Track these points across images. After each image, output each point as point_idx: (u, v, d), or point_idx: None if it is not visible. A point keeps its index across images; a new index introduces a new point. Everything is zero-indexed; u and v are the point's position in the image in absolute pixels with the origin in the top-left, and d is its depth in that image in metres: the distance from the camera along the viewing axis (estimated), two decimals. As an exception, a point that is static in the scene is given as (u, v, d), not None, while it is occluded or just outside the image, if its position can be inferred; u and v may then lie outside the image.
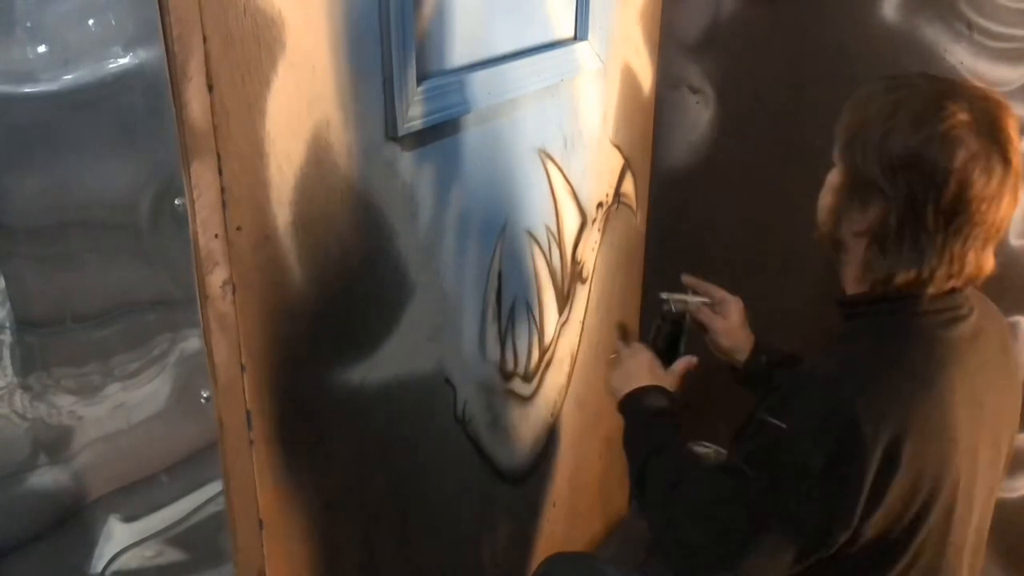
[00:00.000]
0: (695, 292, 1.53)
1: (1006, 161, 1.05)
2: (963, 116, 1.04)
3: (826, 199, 1.18)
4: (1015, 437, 1.26)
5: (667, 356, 1.47)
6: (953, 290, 1.13)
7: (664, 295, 1.52)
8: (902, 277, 1.10)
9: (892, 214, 1.08)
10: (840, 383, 1.08)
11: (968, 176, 1.04)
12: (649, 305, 2.21)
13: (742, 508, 1.10)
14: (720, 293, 1.53)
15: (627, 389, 1.35)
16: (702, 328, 1.52)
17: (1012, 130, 1.07)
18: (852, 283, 1.19)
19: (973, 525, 1.20)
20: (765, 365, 1.49)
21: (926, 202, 1.05)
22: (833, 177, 1.17)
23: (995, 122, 1.05)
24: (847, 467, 1.03)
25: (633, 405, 1.35)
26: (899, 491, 1.06)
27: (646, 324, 2.22)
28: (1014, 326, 1.76)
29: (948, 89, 1.09)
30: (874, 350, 1.12)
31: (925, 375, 1.09)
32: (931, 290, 1.11)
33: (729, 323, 1.50)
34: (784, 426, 1.06)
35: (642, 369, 1.38)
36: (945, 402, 1.09)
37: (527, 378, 1.83)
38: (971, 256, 1.09)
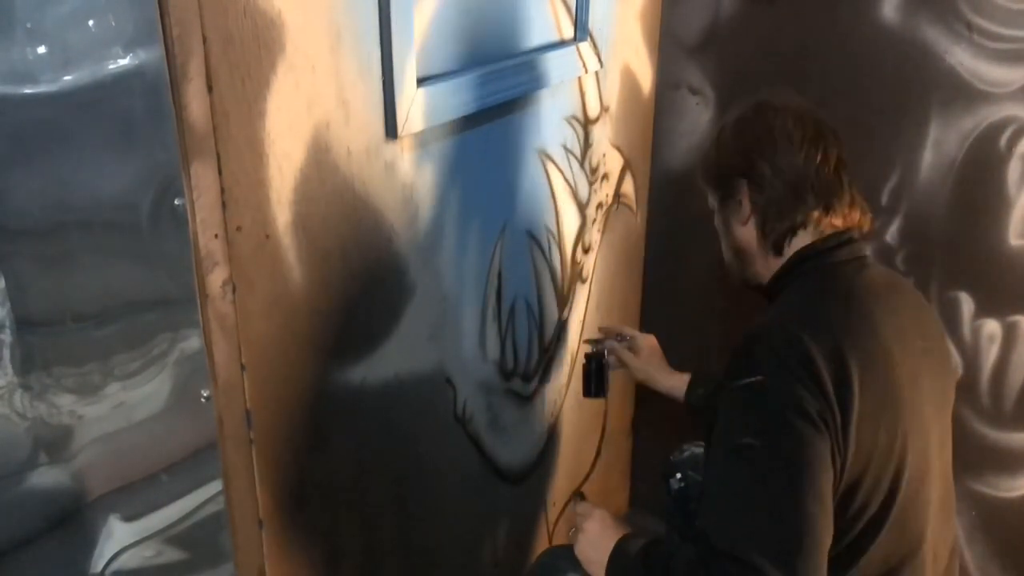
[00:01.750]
0: (609, 334, 1.76)
1: (814, 119, 1.27)
2: (772, 101, 1.29)
3: (723, 237, 1.36)
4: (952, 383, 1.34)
5: (599, 386, 1.73)
6: (846, 234, 1.26)
7: (586, 340, 1.85)
8: (794, 223, 1.25)
9: (755, 182, 1.26)
10: (784, 326, 1.15)
11: (786, 129, 1.24)
12: (649, 306, 2.21)
13: (767, 488, 1.06)
14: (631, 332, 1.75)
15: (600, 555, 1.27)
16: (621, 364, 1.72)
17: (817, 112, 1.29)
18: (763, 268, 1.31)
19: (935, 475, 1.22)
20: (703, 397, 1.61)
21: (769, 167, 1.24)
22: (717, 221, 1.36)
23: (803, 107, 1.28)
24: (821, 395, 1.08)
25: (622, 557, 1.27)
26: (863, 427, 1.10)
27: (646, 324, 2.22)
28: (1013, 325, 1.76)
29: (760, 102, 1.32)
30: (802, 298, 1.23)
31: (850, 305, 1.19)
32: (824, 228, 1.25)
33: (640, 358, 1.70)
34: (759, 378, 1.10)
35: (605, 528, 1.31)
36: (876, 331, 1.16)
37: (527, 378, 1.83)
38: (838, 195, 1.25)
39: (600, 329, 1.82)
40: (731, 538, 1.05)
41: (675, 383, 1.67)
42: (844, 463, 1.09)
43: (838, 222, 1.26)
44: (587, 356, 1.74)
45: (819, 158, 1.24)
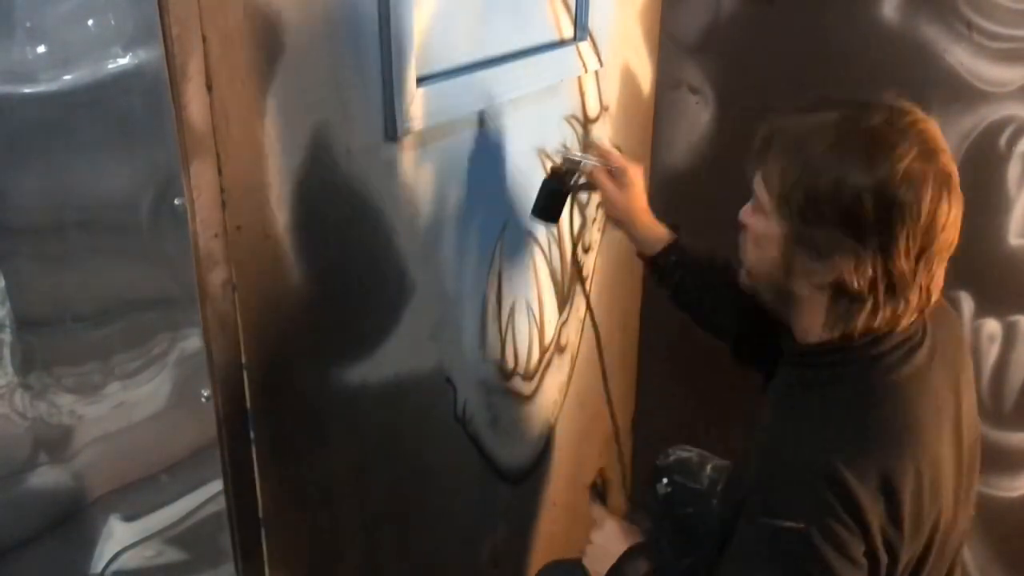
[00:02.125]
0: (596, 154, 1.51)
1: (953, 180, 1.03)
2: (912, 151, 1.00)
3: (766, 251, 1.11)
4: (979, 425, 1.23)
5: (546, 211, 1.46)
6: (916, 338, 1.10)
7: (562, 150, 1.53)
8: (880, 319, 1.06)
9: (864, 266, 1.02)
10: (828, 462, 1.02)
11: (934, 208, 1.01)
12: (649, 306, 2.21)
13: None
14: (621, 160, 1.50)
15: (606, 567, 1.26)
16: (593, 188, 1.50)
17: (942, 141, 1.05)
18: (811, 332, 1.12)
19: (959, 528, 1.18)
20: (675, 265, 1.47)
21: (898, 245, 1.01)
22: (768, 227, 1.09)
23: (935, 145, 1.03)
24: (866, 537, 1.01)
25: None
26: (908, 541, 1.05)
27: (646, 326, 2.22)
28: (1013, 325, 1.76)
29: (879, 121, 1.03)
30: (844, 412, 1.07)
31: (901, 429, 1.06)
32: (902, 325, 1.07)
33: (621, 193, 1.47)
34: (801, 526, 1.00)
35: (613, 541, 1.29)
36: (922, 443, 1.06)
37: (527, 377, 1.83)
38: (936, 281, 1.07)
39: (586, 144, 1.55)
40: None
41: (650, 235, 1.49)
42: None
43: (913, 317, 1.08)
44: (553, 170, 1.49)
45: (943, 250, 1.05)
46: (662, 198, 2.11)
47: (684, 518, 1.39)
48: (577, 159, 1.47)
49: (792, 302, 1.12)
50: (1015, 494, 1.84)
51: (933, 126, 1.05)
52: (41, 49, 0.87)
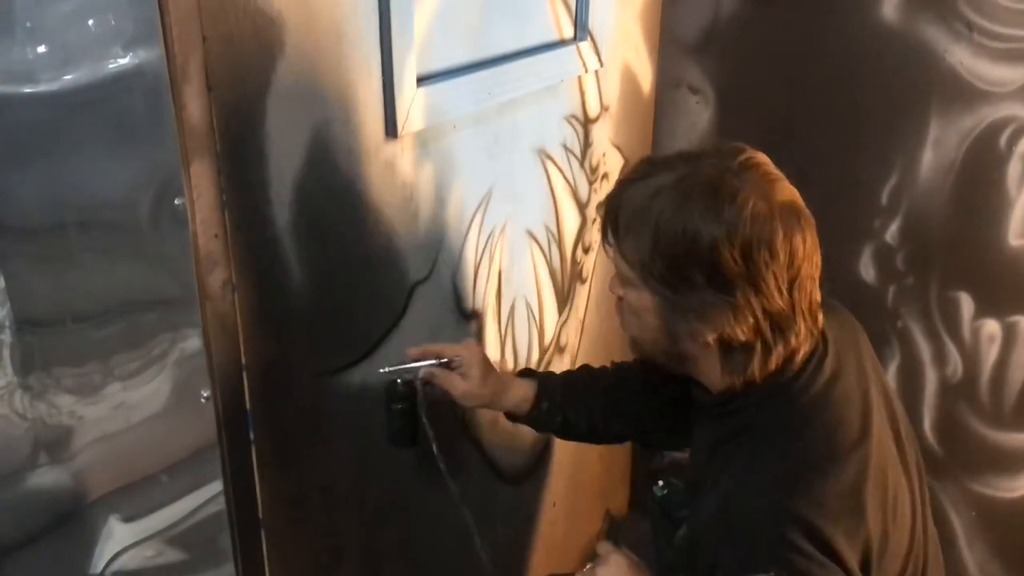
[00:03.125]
0: (422, 359, 1.36)
1: (799, 211, 1.04)
2: (753, 196, 1.00)
3: (645, 322, 1.10)
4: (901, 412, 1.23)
5: (405, 438, 1.36)
6: (815, 357, 1.10)
7: (383, 370, 1.36)
8: (776, 358, 1.06)
9: (741, 315, 1.03)
10: (782, 505, 1.02)
11: (788, 241, 1.01)
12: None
13: None
14: (451, 350, 1.37)
15: None
16: (444, 394, 1.36)
17: (783, 180, 1.05)
18: (715, 383, 1.12)
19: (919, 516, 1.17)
20: (549, 410, 1.38)
21: (767, 284, 1.01)
22: (640, 300, 1.09)
23: (772, 184, 1.03)
24: (841, 568, 1.00)
25: None
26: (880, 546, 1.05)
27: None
28: (1013, 325, 1.76)
29: (714, 174, 1.02)
30: (779, 453, 1.07)
31: (829, 446, 1.06)
32: (801, 354, 1.08)
33: (468, 382, 1.34)
34: (771, 572, 0.99)
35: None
36: (855, 462, 1.06)
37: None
38: (814, 299, 1.07)
39: (408, 354, 1.36)
40: None
41: (516, 397, 1.38)
42: None
43: (809, 344, 1.09)
44: (389, 396, 1.35)
45: (810, 273, 1.05)
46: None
47: (681, 520, 1.38)
48: (409, 370, 1.34)
49: (686, 361, 1.13)
50: (1015, 494, 1.84)
51: (762, 158, 1.06)
52: (41, 49, 0.87)
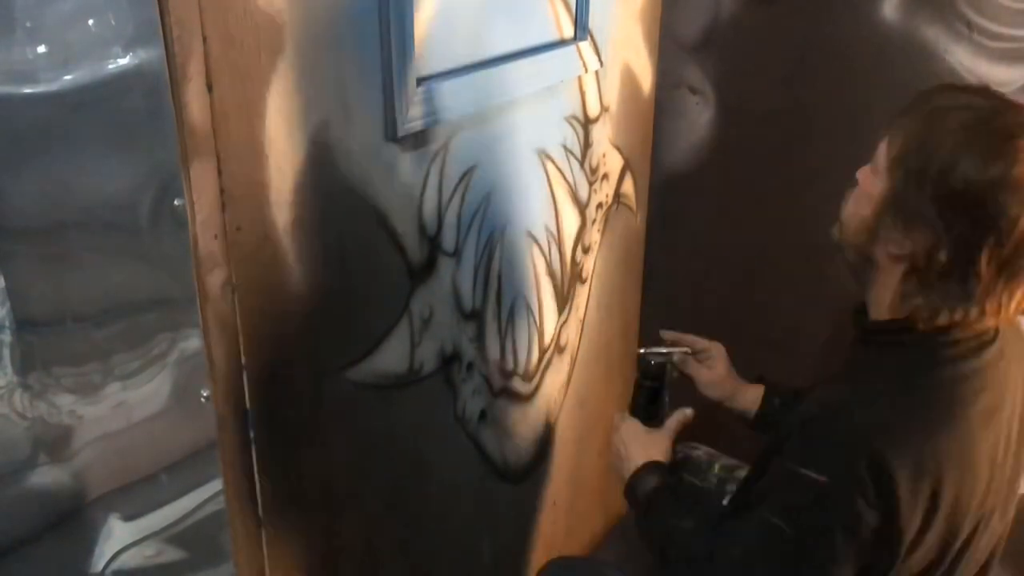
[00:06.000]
0: (676, 345, 1.53)
1: None
2: None
3: (861, 208, 1.11)
4: None
5: (649, 412, 1.46)
6: (987, 336, 1.09)
7: (642, 350, 1.52)
8: (943, 316, 1.05)
9: (942, 249, 1.02)
10: (867, 427, 1.02)
11: None
12: (649, 306, 2.21)
13: (780, 566, 1.05)
14: (702, 343, 1.52)
15: (623, 471, 1.30)
16: (688, 379, 1.51)
17: None
18: (881, 306, 1.12)
19: (987, 542, 1.18)
20: (779, 408, 1.46)
21: (983, 245, 1.00)
22: (873, 186, 1.09)
23: None
24: (885, 515, 1.00)
25: (632, 494, 1.31)
26: (938, 530, 1.05)
27: (646, 326, 2.22)
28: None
29: (1018, 123, 1.01)
30: (899, 388, 1.07)
31: (950, 414, 1.05)
32: (970, 330, 1.06)
33: (714, 373, 1.49)
34: (821, 478, 1.00)
35: (633, 446, 1.33)
36: (969, 439, 1.05)
37: (527, 377, 1.83)
38: (1016, 299, 1.05)
39: (664, 336, 1.55)
40: None
41: (750, 399, 1.49)
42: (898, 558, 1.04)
43: (991, 323, 1.07)
44: (643, 373, 1.48)
45: None
46: (662, 198, 2.11)
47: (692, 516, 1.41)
48: (664, 352, 1.50)
49: (869, 268, 1.12)
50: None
51: None
52: (41, 49, 0.87)
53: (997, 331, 1.11)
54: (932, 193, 1.01)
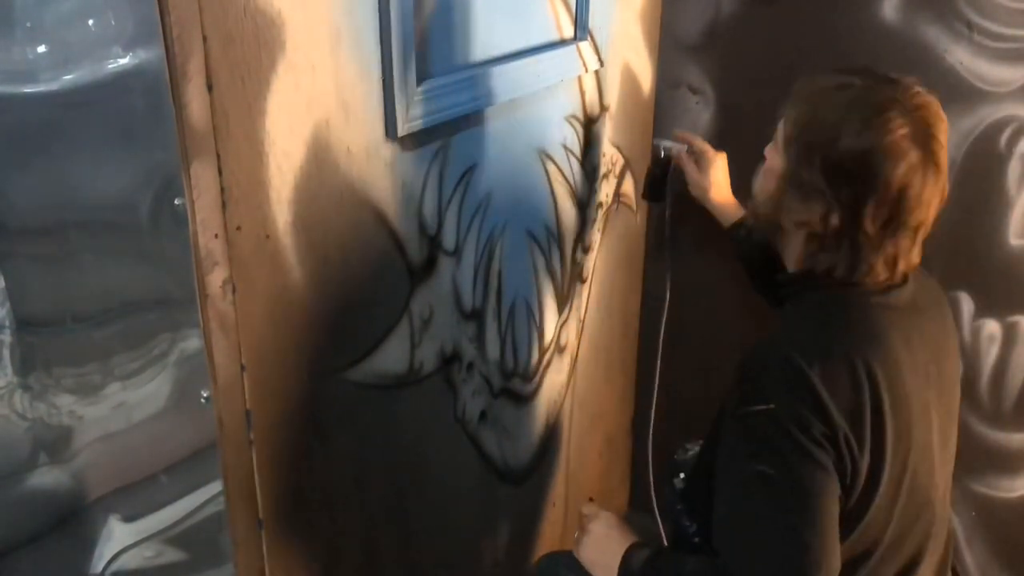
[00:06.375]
0: (684, 142, 1.77)
1: (938, 168, 1.12)
2: (903, 129, 1.10)
3: (768, 183, 1.24)
4: (959, 402, 1.31)
5: (654, 193, 1.83)
6: (895, 282, 1.19)
7: (656, 141, 1.88)
8: (840, 272, 1.17)
9: (832, 215, 1.14)
10: (792, 357, 1.11)
11: (907, 184, 1.10)
12: (650, 304, 2.21)
13: (780, 512, 1.08)
14: (704, 147, 1.72)
15: (605, 558, 1.27)
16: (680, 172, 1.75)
17: (943, 135, 1.14)
18: (792, 262, 1.25)
19: (938, 495, 1.23)
20: (744, 238, 1.62)
21: (866, 207, 1.12)
22: (774, 163, 1.23)
23: (930, 131, 1.12)
24: (828, 423, 1.08)
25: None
26: (891, 461, 1.12)
27: (646, 325, 2.22)
28: (1013, 325, 1.76)
29: (890, 97, 1.13)
30: (819, 322, 1.18)
31: (871, 335, 1.15)
32: (868, 281, 1.17)
33: (704, 175, 1.70)
34: (770, 406, 1.09)
35: (610, 530, 1.31)
36: (893, 358, 1.13)
37: (527, 378, 1.83)
38: (903, 253, 1.16)
39: (676, 134, 1.83)
40: (748, 565, 1.08)
41: (724, 212, 1.69)
42: (855, 483, 1.10)
43: (899, 269, 1.18)
44: (653, 160, 1.82)
45: (929, 199, 1.13)
46: (662, 198, 2.11)
47: (699, 512, 1.40)
48: (669, 147, 1.78)
49: (779, 234, 1.26)
50: (1015, 494, 1.84)
51: (936, 116, 1.14)
52: (41, 49, 0.87)
53: (905, 280, 1.21)
54: (820, 165, 1.14)
